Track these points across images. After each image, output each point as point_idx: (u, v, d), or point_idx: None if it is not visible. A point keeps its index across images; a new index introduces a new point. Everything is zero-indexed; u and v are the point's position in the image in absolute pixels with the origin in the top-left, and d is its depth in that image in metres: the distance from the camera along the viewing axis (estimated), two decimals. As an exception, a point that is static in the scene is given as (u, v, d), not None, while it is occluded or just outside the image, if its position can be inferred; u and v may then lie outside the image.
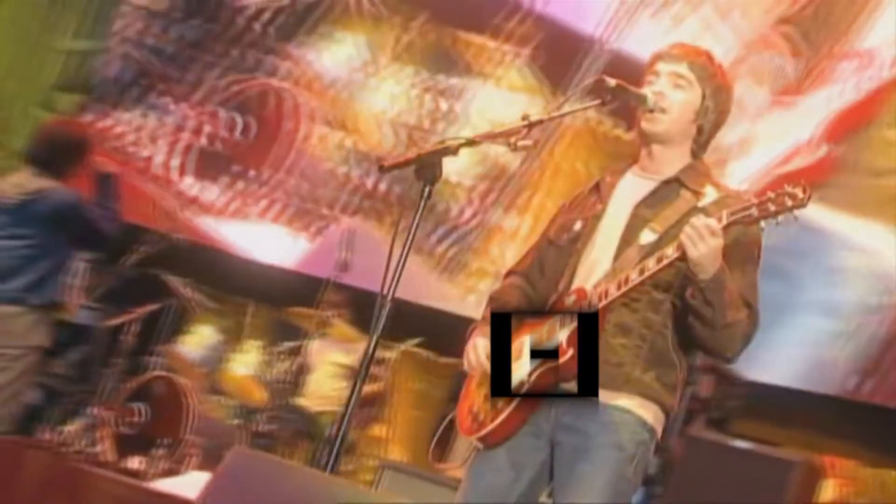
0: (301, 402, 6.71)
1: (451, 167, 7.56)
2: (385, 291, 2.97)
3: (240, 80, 8.46)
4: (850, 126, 6.72)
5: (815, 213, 6.51)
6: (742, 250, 3.13)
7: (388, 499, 3.44)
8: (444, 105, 7.88)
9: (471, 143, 2.98)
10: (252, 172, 8.25)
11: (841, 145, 6.66)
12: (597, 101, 3.12)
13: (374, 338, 3.00)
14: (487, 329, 3.21)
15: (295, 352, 6.64)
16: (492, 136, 3.01)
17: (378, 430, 7.31)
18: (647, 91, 3.17)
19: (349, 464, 6.55)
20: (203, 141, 8.49)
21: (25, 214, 5.28)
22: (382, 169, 2.98)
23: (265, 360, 6.75)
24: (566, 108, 3.25)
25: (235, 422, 6.61)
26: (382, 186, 7.79)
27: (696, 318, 3.05)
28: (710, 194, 3.10)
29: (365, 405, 6.82)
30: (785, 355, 6.31)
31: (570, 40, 7.53)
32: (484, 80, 7.78)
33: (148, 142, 8.66)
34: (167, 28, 9.03)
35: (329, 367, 6.83)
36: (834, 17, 6.97)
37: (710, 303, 3.01)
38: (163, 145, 8.61)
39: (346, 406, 3.05)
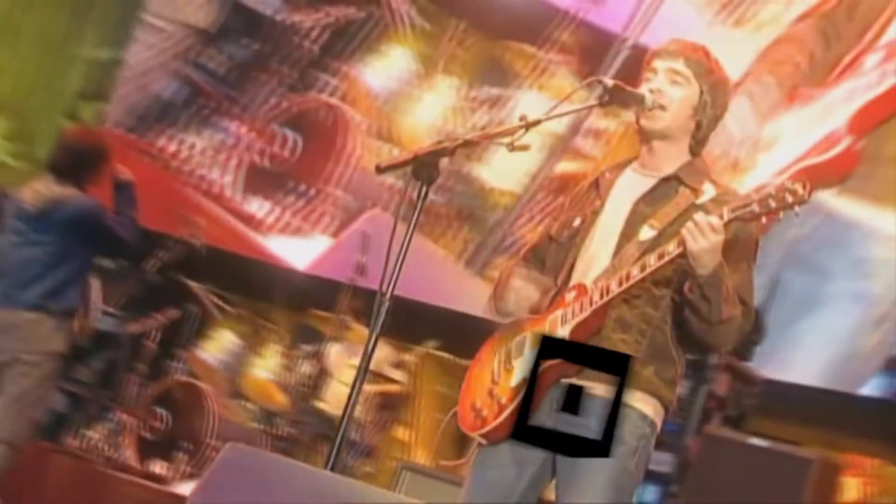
0: (321, 405, 6.77)
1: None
2: (384, 290, 3.02)
3: (292, 98, 8.50)
4: (875, 118, 6.72)
5: (842, 203, 6.53)
6: (740, 248, 3.17)
7: (386, 497, 3.47)
8: (491, 116, 7.92)
9: (467, 143, 3.03)
10: (304, 187, 8.30)
11: (866, 137, 6.67)
12: (594, 102, 3.16)
13: (374, 336, 3.05)
14: (517, 271, 3.30)
15: (314, 356, 6.70)
16: (489, 137, 3.06)
17: (401, 432, 7.36)
18: (644, 90, 3.21)
19: (368, 466, 6.61)
20: (257, 158, 8.54)
21: (45, 222, 5.37)
22: (379, 170, 3.03)
23: (285, 365, 6.81)
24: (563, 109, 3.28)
25: (256, 426, 6.67)
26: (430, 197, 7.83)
27: (692, 312, 3.10)
28: (708, 191, 3.14)
29: (384, 407, 6.88)
30: (811, 348, 6.32)
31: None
32: (530, 88, 7.80)
33: (203, 160, 8.73)
34: (220, 48, 9.08)
35: (348, 370, 6.88)
36: (859, 10, 6.98)
37: (708, 298, 3.05)
38: (218, 164, 8.67)
39: (346, 407, 3.10)
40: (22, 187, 5.60)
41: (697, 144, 3.30)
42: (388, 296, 3.04)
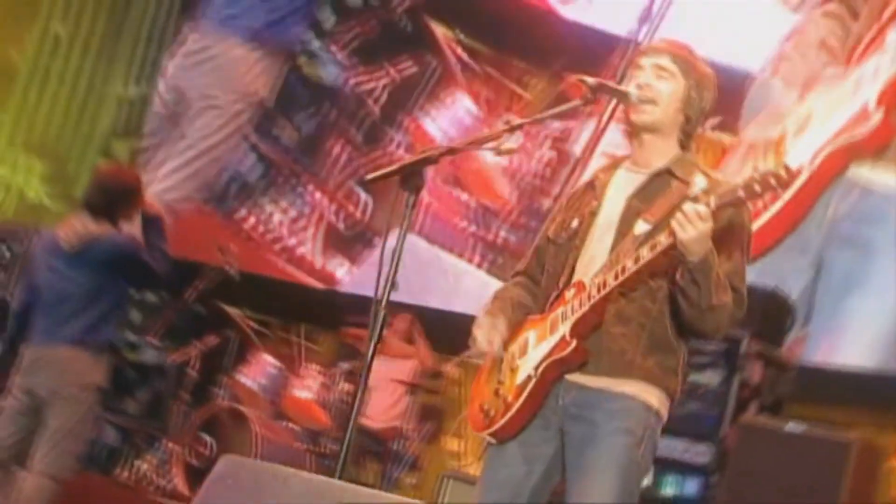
0: (364, 420, 6.86)
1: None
2: (379, 298, 3.11)
3: (362, 158, 8.51)
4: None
5: (879, 177, 6.55)
6: (733, 235, 3.25)
7: (379, 497, 3.58)
8: (558, 149, 7.95)
9: (452, 151, 3.11)
10: (378, 240, 8.34)
11: (896, 110, 6.72)
12: (578, 101, 3.24)
13: (373, 345, 3.14)
14: (481, 320, 3.37)
15: (353, 373, 6.80)
16: (474, 143, 3.14)
17: (452, 443, 7.43)
18: (630, 86, 3.30)
19: (413, 477, 6.69)
20: (334, 219, 8.57)
21: (81, 259, 5.51)
22: (365, 181, 3.13)
23: (324, 384, 6.91)
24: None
25: (301, 446, 6.78)
26: (502, 236, 7.89)
27: (683, 298, 3.17)
28: (699, 183, 3.19)
29: (428, 418, 6.97)
30: (859, 327, 6.33)
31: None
32: (594, 117, 7.80)
33: (283, 229, 8.83)
34: (288, 117, 9.12)
35: (388, 384, 6.99)
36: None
37: (698, 284, 3.12)
38: (298, 230, 8.76)
39: (350, 417, 3.18)
40: (58, 224, 5.76)
41: (687, 138, 3.39)
42: (383, 304, 3.12)
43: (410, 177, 3.11)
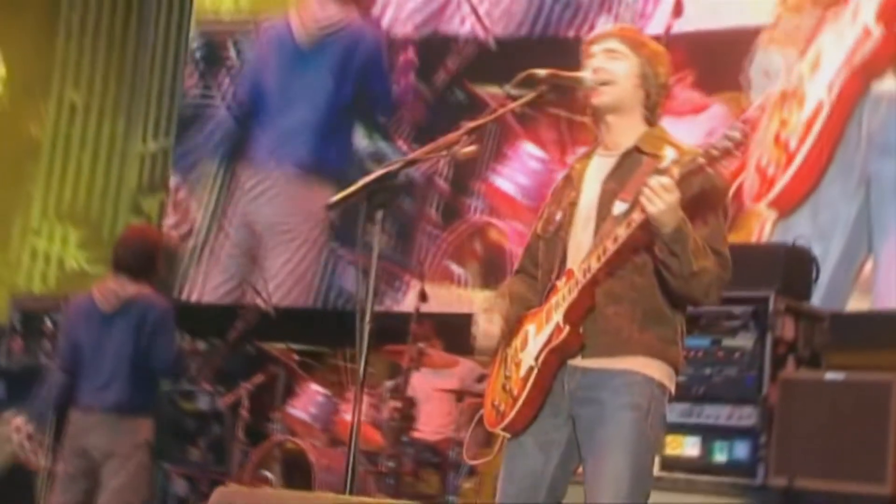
0: (418, 434, 7.00)
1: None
2: (364, 313, 3.24)
3: (449, 235, 8.53)
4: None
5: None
6: (705, 200, 3.36)
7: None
8: None
9: (411, 162, 3.23)
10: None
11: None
12: (533, 94, 3.37)
13: (363, 360, 3.27)
14: (479, 316, 3.53)
15: (399, 388, 6.93)
16: (432, 150, 3.26)
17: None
18: (581, 72, 3.43)
19: (472, 482, 6.80)
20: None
21: (122, 319, 5.72)
22: (330, 206, 3.27)
23: (372, 403, 7.05)
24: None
25: (360, 468, 6.92)
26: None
27: (665, 269, 3.29)
28: (669, 155, 3.30)
29: (477, 424, 7.06)
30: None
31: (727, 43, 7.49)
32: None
33: None
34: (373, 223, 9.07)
35: (436, 395, 7.12)
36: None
37: (676, 254, 3.23)
38: None
39: (352, 429, 3.32)
40: (95, 287, 5.97)
41: (651, 114, 3.51)
42: (367, 318, 3.25)
43: (376, 193, 3.24)
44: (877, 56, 6.77)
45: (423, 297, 6.89)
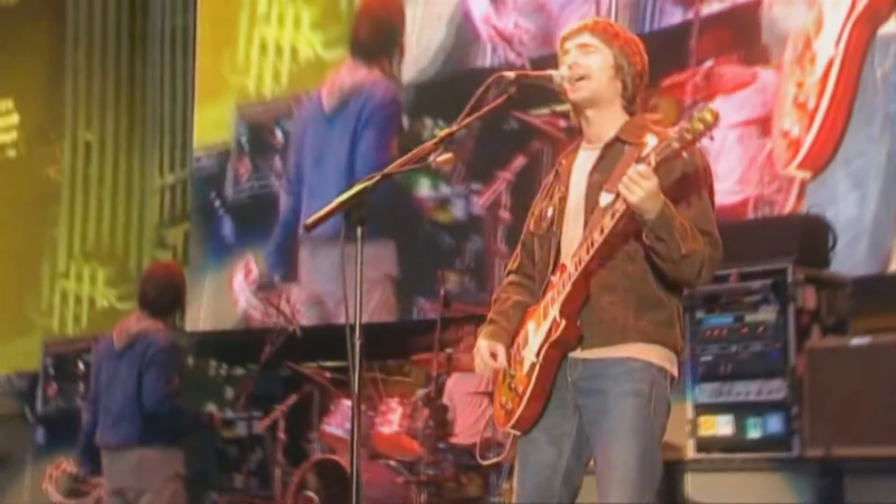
0: (454, 439, 7.08)
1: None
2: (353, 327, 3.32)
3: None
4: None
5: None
6: (688, 183, 3.44)
7: None
8: None
9: (386, 176, 3.31)
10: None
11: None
12: (503, 97, 3.45)
13: (356, 375, 3.35)
14: (488, 330, 3.61)
15: (431, 396, 7.01)
16: (407, 162, 3.33)
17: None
18: (563, 70, 3.51)
19: (513, 482, 6.86)
20: None
21: (129, 357, 5.84)
22: (308, 226, 3.36)
23: (406, 413, 7.13)
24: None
25: (402, 479, 7.01)
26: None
27: (655, 255, 3.37)
28: (650, 142, 3.37)
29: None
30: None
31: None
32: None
33: None
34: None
35: (468, 399, 7.20)
36: None
37: (662, 238, 3.31)
38: None
39: (352, 441, 3.40)
40: (117, 325, 6.11)
41: (630, 103, 3.59)
42: (357, 333, 3.33)
43: (353, 210, 3.32)
44: (877, 4, 6.79)
45: (446, 302, 6.97)
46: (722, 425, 5.66)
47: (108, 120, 10.79)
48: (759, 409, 5.56)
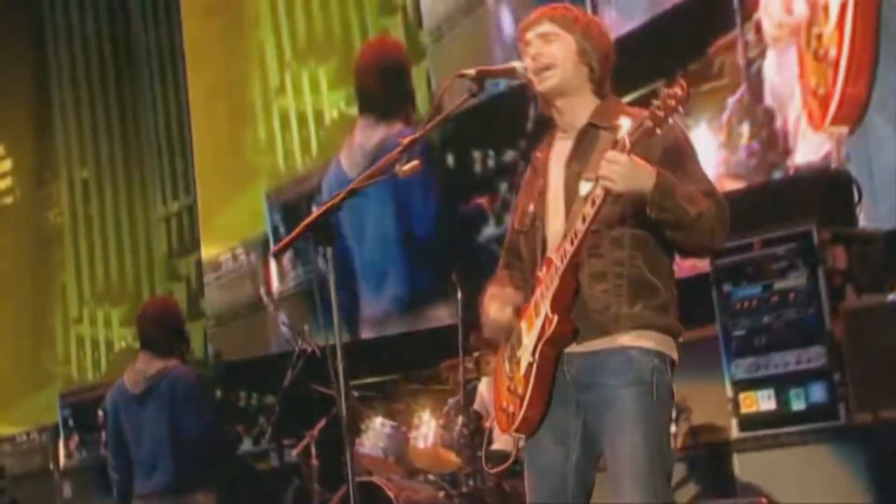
0: (495, 447, 7.16)
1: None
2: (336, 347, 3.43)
3: None
4: None
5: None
6: (673, 154, 3.52)
7: None
8: None
9: (353, 192, 3.41)
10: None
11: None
12: (465, 96, 3.56)
13: (343, 401, 3.45)
14: (492, 291, 3.74)
15: (462, 404, 7.10)
16: (373, 175, 3.43)
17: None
18: (526, 61, 3.61)
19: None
20: None
21: (151, 398, 5.98)
22: (274, 254, 3.47)
23: (441, 424, 7.22)
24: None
25: (444, 493, 7.11)
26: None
27: (666, 227, 3.47)
28: (625, 124, 3.46)
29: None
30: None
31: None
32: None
33: None
34: None
35: (502, 402, 7.29)
36: None
37: (667, 209, 3.40)
38: None
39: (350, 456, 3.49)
40: (126, 371, 6.24)
41: (599, 87, 3.68)
42: (339, 356, 3.43)
43: (320, 232, 3.42)
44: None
45: (465, 308, 7.04)
46: (763, 400, 5.71)
47: (102, 154, 10.96)
48: (800, 378, 5.61)
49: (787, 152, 6.83)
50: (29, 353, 11.09)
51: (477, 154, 8.76)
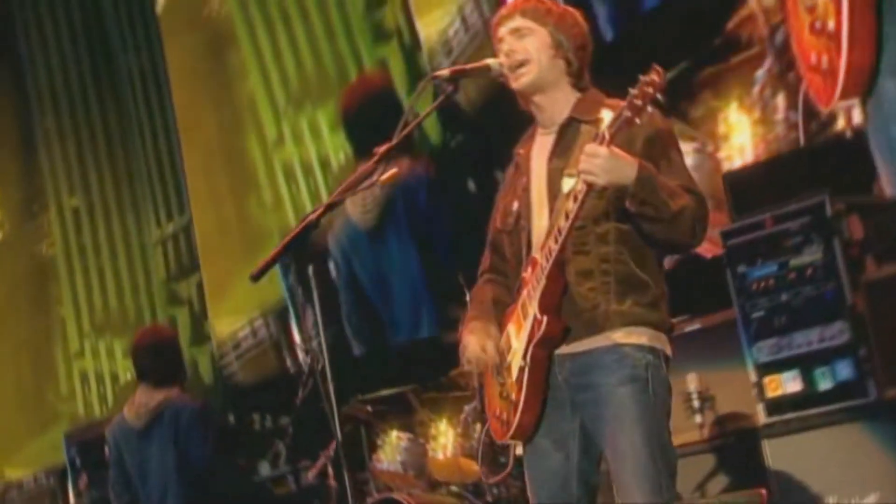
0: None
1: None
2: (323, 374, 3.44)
3: None
4: None
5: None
6: (655, 144, 3.54)
7: None
8: None
9: (331, 206, 3.43)
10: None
11: None
12: (441, 97, 3.58)
13: (336, 423, 3.46)
14: (473, 325, 3.75)
15: (479, 411, 7.11)
16: (351, 186, 3.45)
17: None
18: (489, 60, 3.63)
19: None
20: None
21: (154, 434, 6.01)
22: (254, 277, 3.49)
23: (459, 433, 7.23)
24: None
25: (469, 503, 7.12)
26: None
27: (644, 220, 3.48)
28: (606, 117, 3.47)
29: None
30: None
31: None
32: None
33: None
34: None
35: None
36: None
37: (647, 202, 3.42)
38: None
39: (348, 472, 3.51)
40: (126, 405, 6.28)
41: (577, 80, 3.70)
42: (329, 377, 3.45)
43: (299, 250, 3.44)
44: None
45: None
46: (789, 382, 5.69)
47: (91, 180, 10.99)
48: (825, 357, 5.58)
49: (833, 118, 6.76)
50: (32, 392, 11.13)
51: (500, 176, 8.79)
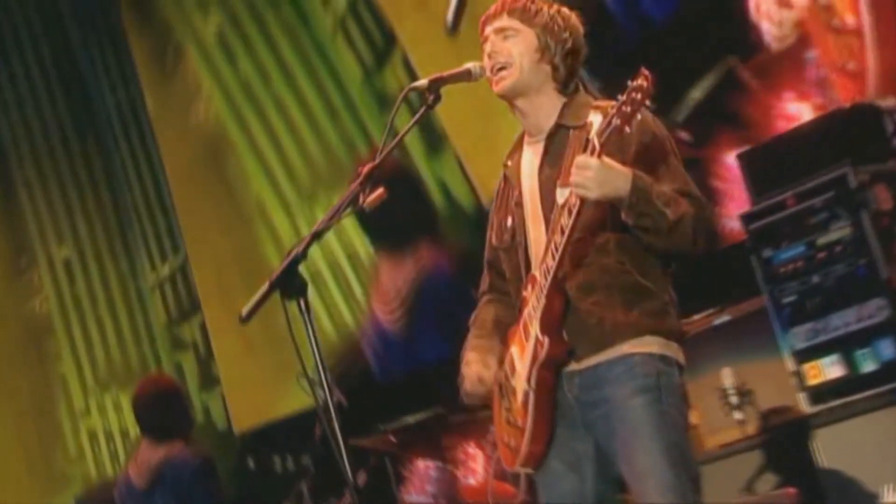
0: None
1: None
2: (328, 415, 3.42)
3: None
4: None
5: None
6: (649, 150, 3.51)
7: None
8: None
9: (318, 236, 3.41)
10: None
11: None
12: (423, 109, 3.54)
13: (345, 462, 3.44)
14: (469, 356, 3.73)
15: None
16: (337, 212, 3.43)
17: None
18: (469, 64, 3.59)
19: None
20: None
21: (157, 494, 6.00)
22: (244, 319, 3.46)
23: (489, 455, 7.21)
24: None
25: (505, 529, 7.09)
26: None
27: (643, 232, 3.43)
28: (595, 121, 3.44)
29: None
30: None
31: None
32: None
33: None
34: None
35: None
36: None
37: (645, 213, 3.38)
38: None
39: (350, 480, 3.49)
40: (130, 463, 6.26)
41: (564, 85, 3.65)
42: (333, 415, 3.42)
43: (288, 284, 3.42)
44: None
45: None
46: (829, 368, 5.63)
47: (80, 228, 10.97)
48: (865, 337, 5.54)
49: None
50: (39, 457, 11.11)
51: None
